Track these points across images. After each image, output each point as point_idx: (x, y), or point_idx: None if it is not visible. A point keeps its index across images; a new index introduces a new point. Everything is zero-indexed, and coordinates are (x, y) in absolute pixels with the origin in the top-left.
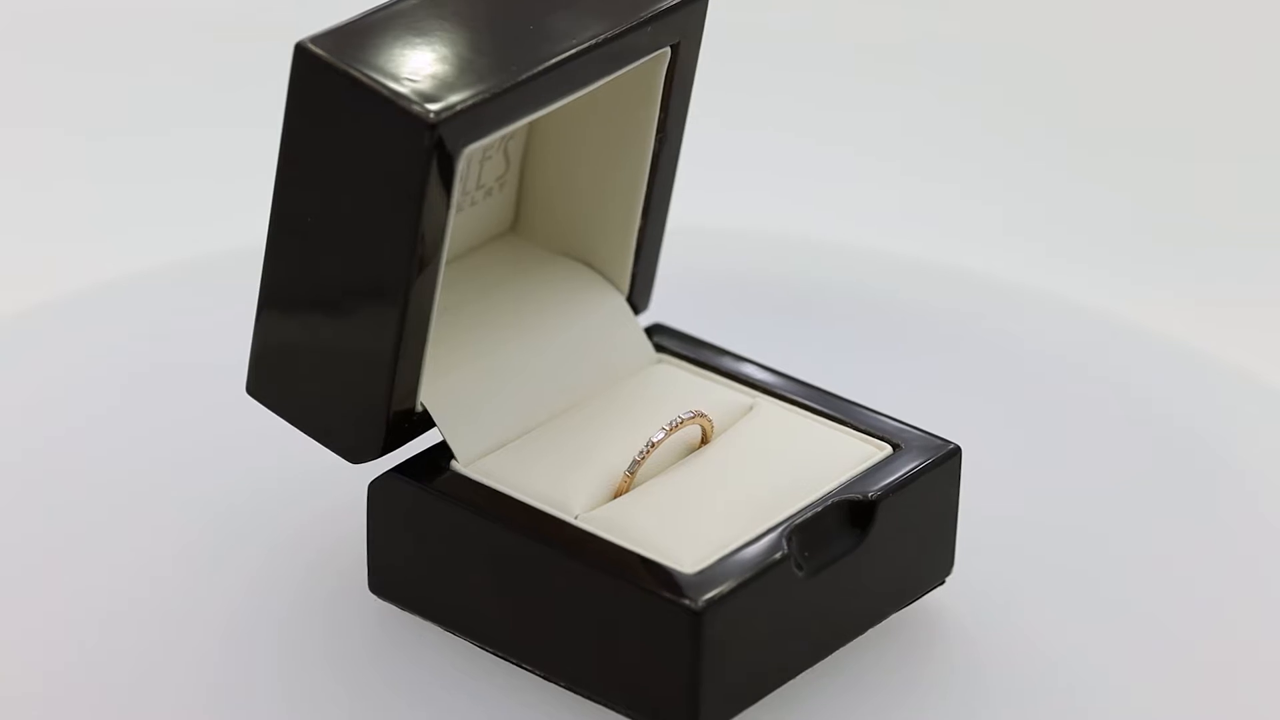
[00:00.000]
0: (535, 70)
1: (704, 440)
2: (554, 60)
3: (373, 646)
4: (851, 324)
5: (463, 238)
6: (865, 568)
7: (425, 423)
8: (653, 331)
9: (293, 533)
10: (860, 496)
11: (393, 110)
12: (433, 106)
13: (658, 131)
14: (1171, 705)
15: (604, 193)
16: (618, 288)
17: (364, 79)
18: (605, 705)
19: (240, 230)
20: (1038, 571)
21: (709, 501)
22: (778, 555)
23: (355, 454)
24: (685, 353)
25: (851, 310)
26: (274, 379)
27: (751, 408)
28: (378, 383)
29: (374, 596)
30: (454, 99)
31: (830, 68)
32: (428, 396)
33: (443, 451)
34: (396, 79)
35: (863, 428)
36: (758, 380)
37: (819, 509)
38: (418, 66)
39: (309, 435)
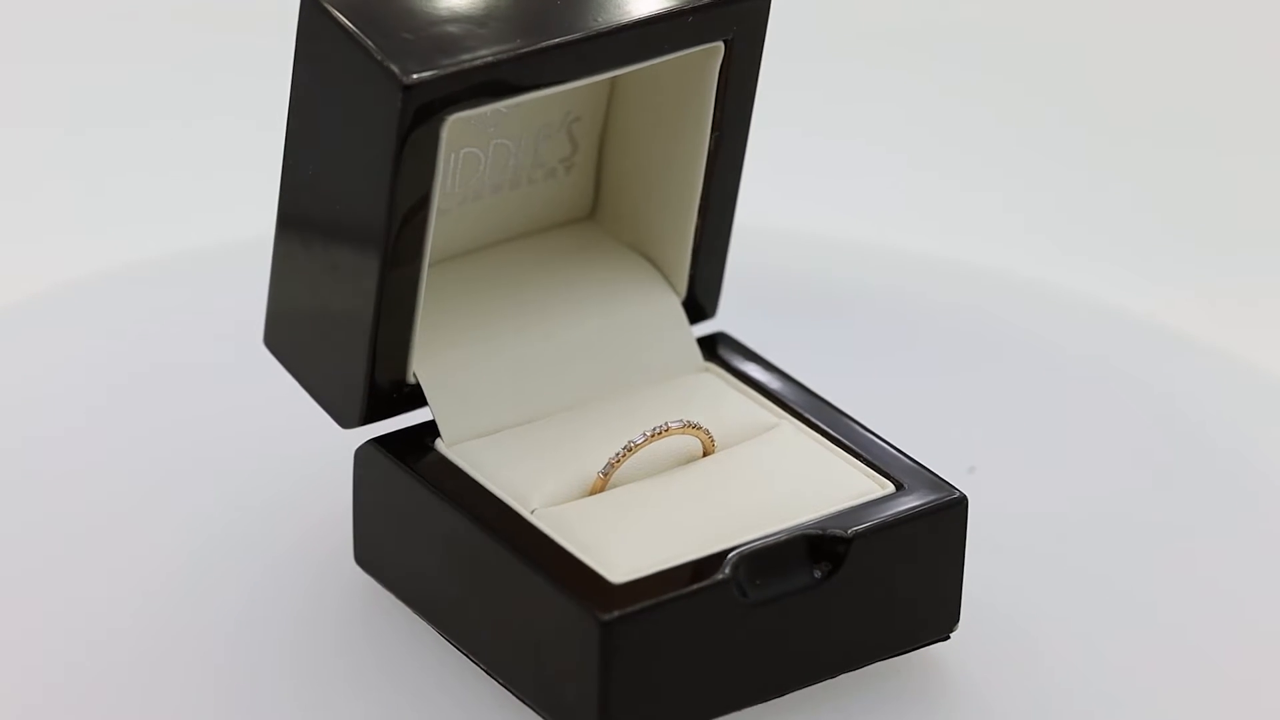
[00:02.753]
0: (542, 46)
1: (705, 454)
2: (567, 39)
3: (375, 640)
4: (857, 321)
5: (525, 216)
6: (834, 607)
7: (424, 397)
8: (714, 340)
9: (310, 522)
10: (836, 532)
11: (375, 67)
12: (413, 68)
13: (713, 130)
14: None
15: (663, 188)
16: (675, 289)
17: (355, 32)
18: (531, 708)
19: (231, 225)
20: (1051, 578)
21: (671, 514)
22: (717, 578)
23: (341, 418)
24: (735, 364)
25: (857, 306)
26: (284, 333)
27: (772, 428)
28: (359, 348)
29: (389, 599)
30: (440, 63)
31: (835, 59)
32: (424, 370)
33: (433, 429)
34: (388, 36)
35: (872, 462)
36: (792, 400)
37: (782, 539)
38: (417, 26)
39: (309, 394)
